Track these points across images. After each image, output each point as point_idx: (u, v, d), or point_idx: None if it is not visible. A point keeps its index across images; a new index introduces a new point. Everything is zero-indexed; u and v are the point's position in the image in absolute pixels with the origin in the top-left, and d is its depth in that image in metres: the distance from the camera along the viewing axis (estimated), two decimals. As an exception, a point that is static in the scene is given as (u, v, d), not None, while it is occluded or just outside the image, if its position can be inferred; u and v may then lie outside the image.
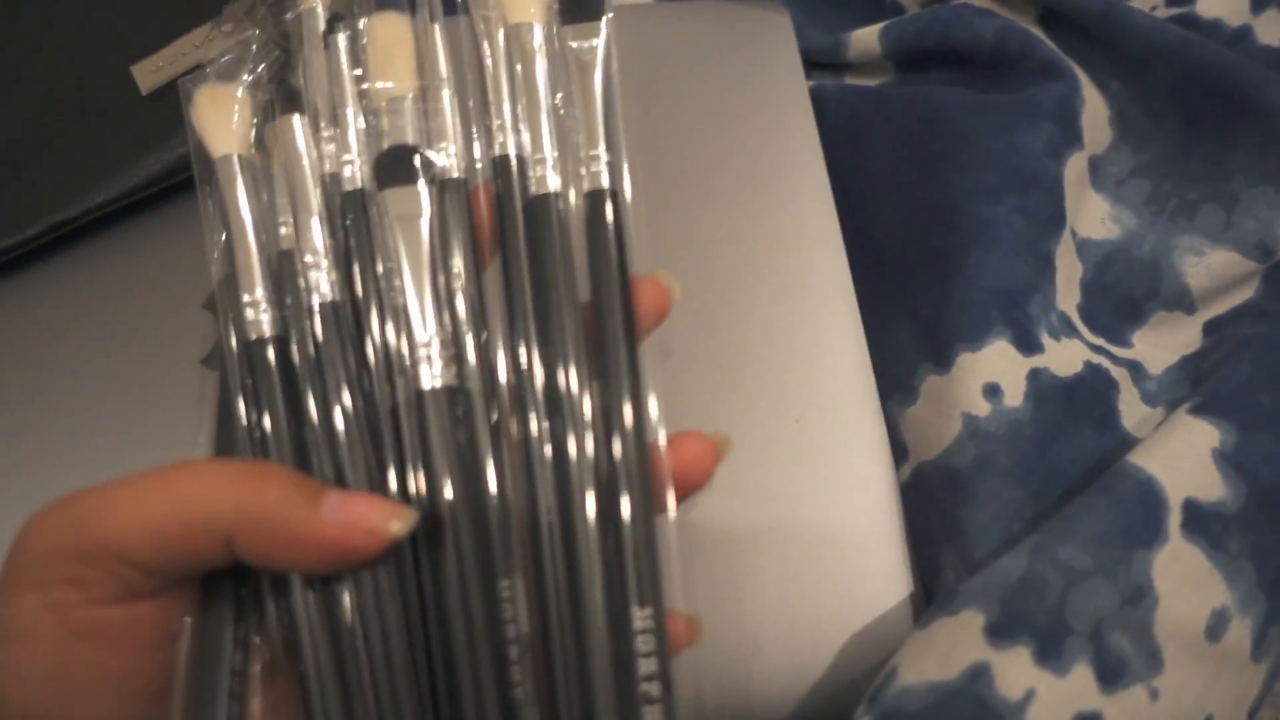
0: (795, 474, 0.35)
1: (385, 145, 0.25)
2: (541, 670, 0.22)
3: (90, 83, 0.40)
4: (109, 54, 0.41)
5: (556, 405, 0.22)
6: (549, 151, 0.24)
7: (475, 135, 0.25)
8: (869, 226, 0.39)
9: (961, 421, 0.33)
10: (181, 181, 0.39)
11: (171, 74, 0.40)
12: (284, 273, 0.25)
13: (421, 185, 0.24)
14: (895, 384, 0.36)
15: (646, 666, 0.21)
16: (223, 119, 0.26)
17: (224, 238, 0.26)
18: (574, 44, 0.24)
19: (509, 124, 0.24)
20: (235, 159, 0.25)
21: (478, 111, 0.25)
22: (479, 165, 0.25)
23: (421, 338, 0.22)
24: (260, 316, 0.24)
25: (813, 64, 0.45)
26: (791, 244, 0.39)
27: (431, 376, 0.22)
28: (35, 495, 0.34)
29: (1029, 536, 0.29)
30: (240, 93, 0.26)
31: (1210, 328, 0.37)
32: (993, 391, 0.33)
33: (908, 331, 0.36)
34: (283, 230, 0.25)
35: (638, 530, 0.22)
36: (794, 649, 0.33)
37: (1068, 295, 0.36)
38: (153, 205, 0.40)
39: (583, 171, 0.24)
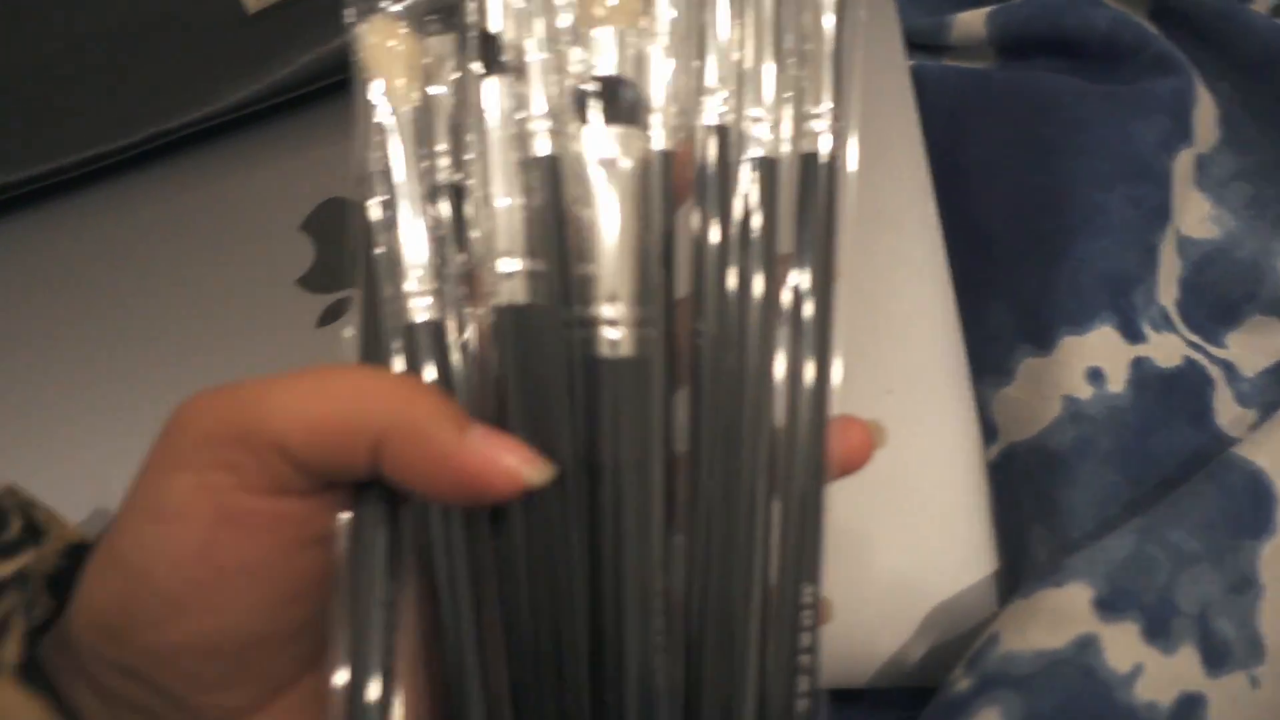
0: (886, 446, 0.35)
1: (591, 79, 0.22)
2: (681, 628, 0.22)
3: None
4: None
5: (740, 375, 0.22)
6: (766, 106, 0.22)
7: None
8: (968, 207, 0.38)
9: (1062, 403, 0.33)
10: (281, 102, 0.39)
11: (276, -3, 0.40)
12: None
13: (635, 129, 0.21)
14: (988, 364, 0.36)
15: (805, 640, 0.22)
16: (393, 59, 0.23)
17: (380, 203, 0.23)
18: None
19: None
20: (402, 114, 0.22)
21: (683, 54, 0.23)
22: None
23: (608, 300, 0.21)
24: (416, 304, 0.21)
25: (911, 44, 0.45)
26: (887, 220, 0.39)
27: (614, 342, 0.21)
28: (127, 403, 0.34)
29: (1135, 518, 0.29)
30: (411, 31, 0.23)
31: (1305, 335, 0.37)
32: (1096, 376, 0.33)
33: (1005, 312, 0.36)
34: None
35: (811, 506, 0.22)
36: (875, 617, 0.33)
37: (1167, 290, 0.36)
38: (252, 124, 0.39)
39: (803, 128, 0.22)
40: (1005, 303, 0.36)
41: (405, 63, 0.23)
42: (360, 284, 0.23)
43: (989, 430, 0.36)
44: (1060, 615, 0.27)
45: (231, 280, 0.37)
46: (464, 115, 0.23)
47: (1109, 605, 0.26)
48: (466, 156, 0.23)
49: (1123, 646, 0.26)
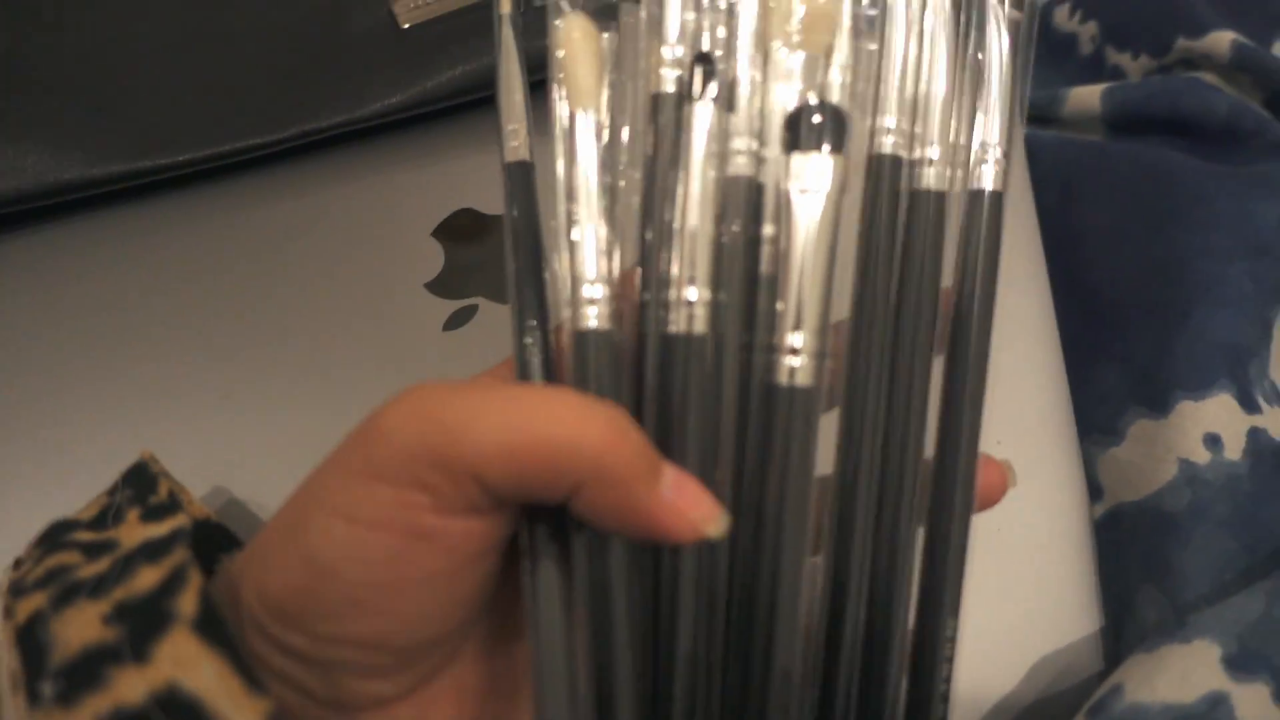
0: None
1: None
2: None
3: (351, 10, 0.42)
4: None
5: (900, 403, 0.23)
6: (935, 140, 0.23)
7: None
8: (1080, 272, 0.39)
9: (1178, 466, 0.33)
10: (423, 114, 0.41)
11: (429, 14, 0.42)
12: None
13: (838, 157, 0.21)
14: (1095, 424, 0.36)
15: (945, 672, 0.22)
16: (589, 65, 0.23)
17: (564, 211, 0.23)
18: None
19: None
20: (592, 122, 0.22)
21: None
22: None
23: (793, 329, 0.21)
24: (590, 310, 0.22)
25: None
26: (1000, 280, 0.40)
27: (794, 370, 0.21)
28: (260, 397, 0.35)
29: (1261, 581, 0.29)
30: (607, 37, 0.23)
31: None
32: (1213, 442, 0.33)
33: (1116, 375, 0.36)
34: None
35: (957, 542, 0.22)
36: (979, 667, 0.33)
37: (1277, 366, 0.37)
38: (395, 132, 0.41)
39: (972, 162, 0.23)
40: (1117, 365, 0.37)
41: (598, 62, 0.23)
42: (518, 284, 0.23)
43: (1094, 490, 0.36)
44: (1189, 671, 0.27)
45: (364, 280, 0.38)
46: (654, 130, 0.23)
47: (1239, 665, 0.27)
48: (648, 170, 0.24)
49: (1255, 707, 0.26)
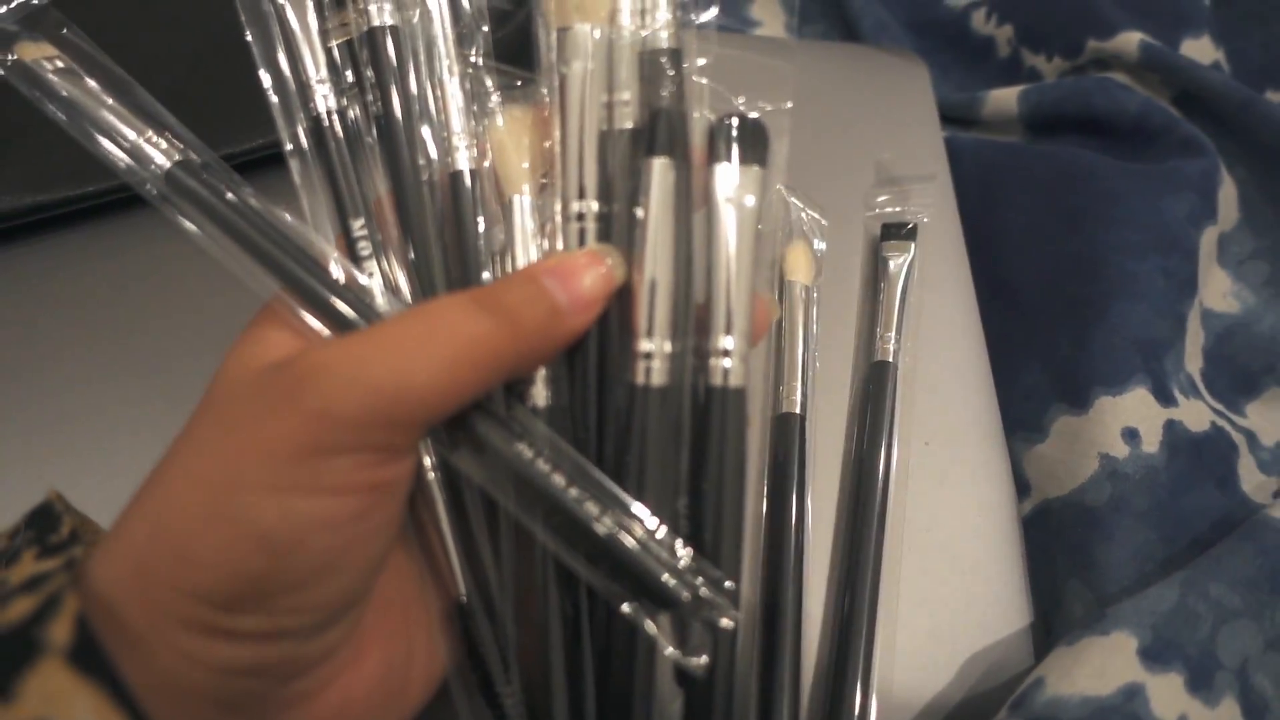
0: (922, 495, 0.36)
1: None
2: None
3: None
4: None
5: None
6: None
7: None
8: (1001, 272, 0.40)
9: (1099, 461, 0.34)
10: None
11: (346, 34, 0.41)
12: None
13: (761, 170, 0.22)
14: (1021, 422, 0.37)
15: None
16: (519, 149, 0.24)
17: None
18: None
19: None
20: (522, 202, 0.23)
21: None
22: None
23: (724, 332, 0.22)
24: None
25: (944, 117, 0.47)
26: (924, 282, 0.41)
27: (728, 372, 0.22)
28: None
29: (1177, 572, 0.29)
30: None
31: (1320, 409, 0.38)
32: (1131, 435, 0.34)
33: (1039, 373, 0.37)
34: None
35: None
36: (910, 666, 0.33)
37: (1193, 358, 0.38)
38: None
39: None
40: (1038, 363, 0.37)
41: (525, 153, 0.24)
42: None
43: (1021, 486, 0.37)
44: (1107, 663, 0.27)
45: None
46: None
47: (1154, 655, 0.27)
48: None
49: (1168, 697, 0.26)
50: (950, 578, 0.34)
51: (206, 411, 0.19)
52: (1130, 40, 0.43)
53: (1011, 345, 0.38)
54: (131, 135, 0.22)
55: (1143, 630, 0.28)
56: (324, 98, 0.24)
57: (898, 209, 0.39)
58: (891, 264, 0.37)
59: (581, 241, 0.22)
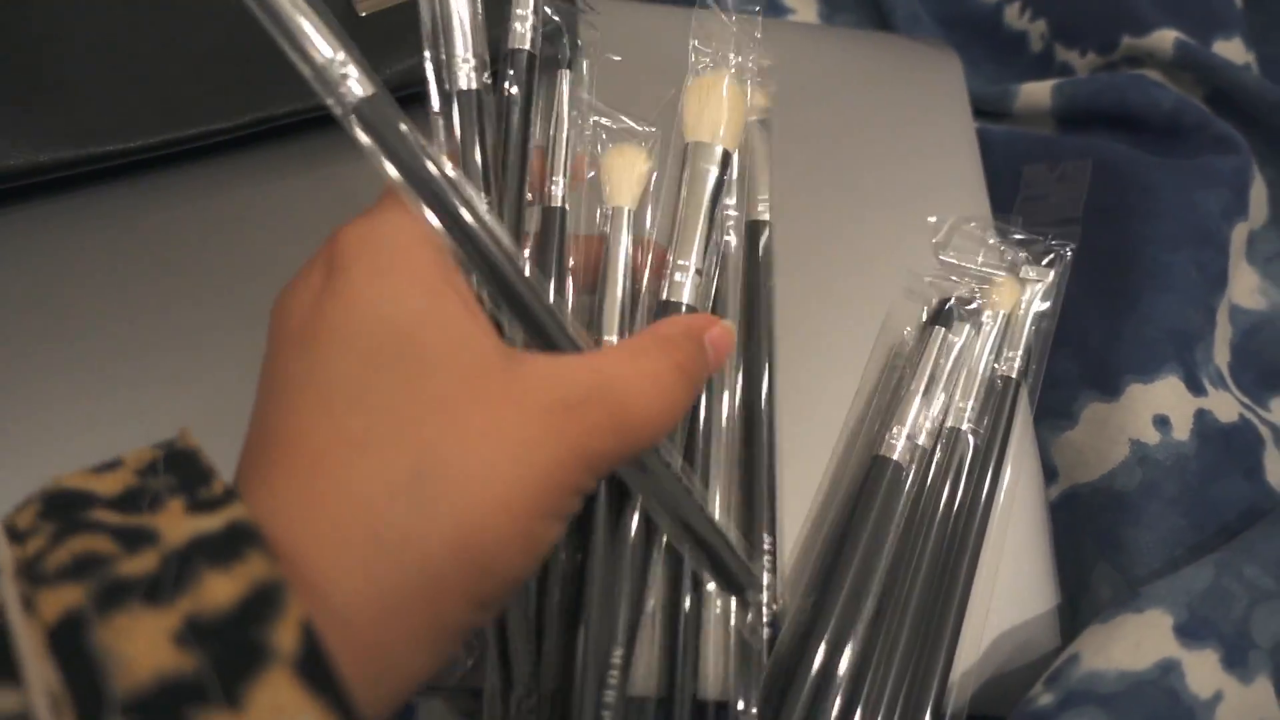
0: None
1: None
2: None
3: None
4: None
5: None
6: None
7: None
8: (1032, 261, 0.40)
9: (1130, 447, 0.34)
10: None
11: (387, 1, 0.42)
12: None
13: None
14: (1049, 409, 0.37)
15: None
16: (629, 177, 0.32)
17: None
18: None
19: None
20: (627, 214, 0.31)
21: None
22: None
23: None
24: None
25: (975, 110, 0.48)
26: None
27: None
28: (209, 392, 0.34)
29: (1211, 554, 0.30)
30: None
31: (1343, 407, 0.39)
32: (1163, 423, 0.34)
33: (1069, 360, 0.37)
34: None
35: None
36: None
37: (1221, 351, 0.38)
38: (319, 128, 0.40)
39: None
40: (1070, 351, 0.37)
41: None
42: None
43: (1049, 472, 0.37)
44: (1142, 639, 0.27)
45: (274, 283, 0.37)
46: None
47: (1190, 632, 0.27)
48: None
49: (1204, 673, 0.27)
50: (980, 560, 0.35)
51: (463, 415, 0.19)
52: (1165, 38, 0.43)
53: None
54: (326, 52, 0.23)
55: (1178, 608, 0.28)
56: (466, 75, 0.29)
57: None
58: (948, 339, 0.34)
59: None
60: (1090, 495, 0.35)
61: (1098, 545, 0.34)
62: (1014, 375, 0.34)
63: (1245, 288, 0.41)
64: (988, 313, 0.35)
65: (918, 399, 0.32)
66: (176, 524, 0.16)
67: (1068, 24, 0.47)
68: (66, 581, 0.15)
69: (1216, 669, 0.27)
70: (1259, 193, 0.41)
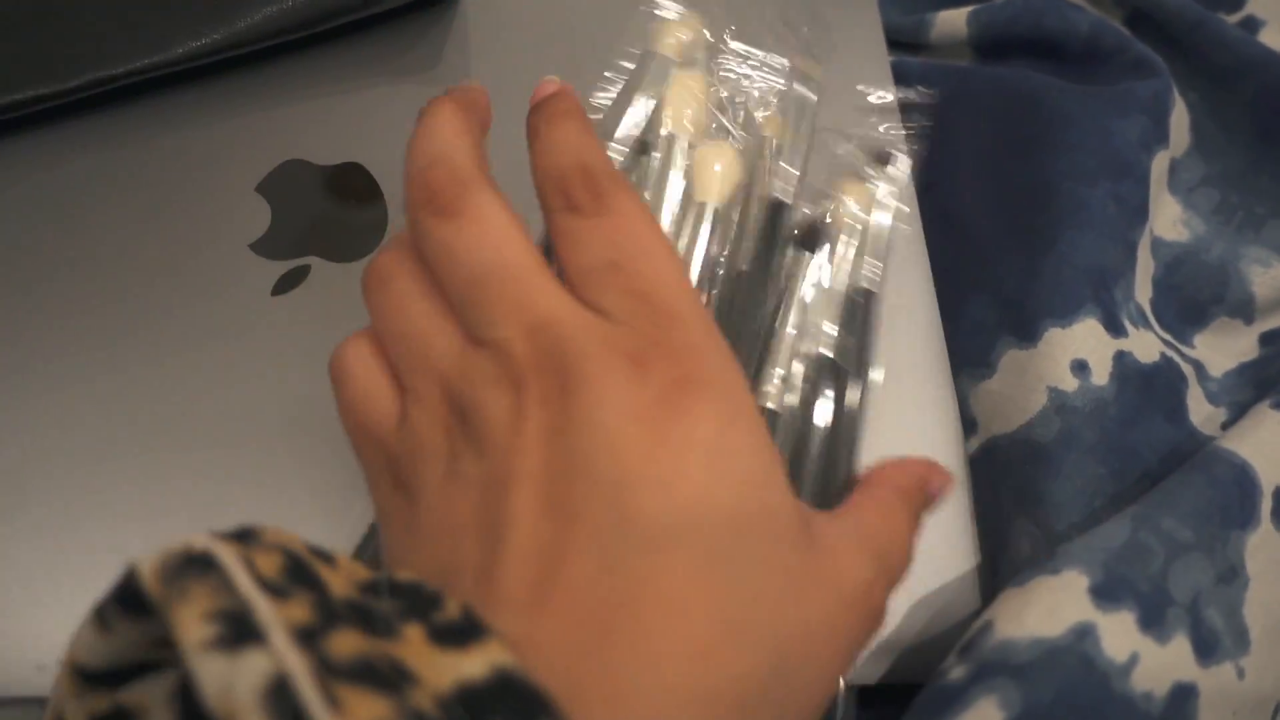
0: (867, 435, 0.34)
1: None
2: None
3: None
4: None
5: None
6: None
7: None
8: (947, 202, 0.38)
9: (1047, 395, 0.32)
10: (240, 56, 0.37)
11: None
12: None
13: None
14: (968, 358, 0.35)
15: None
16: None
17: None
18: None
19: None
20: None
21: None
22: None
23: None
24: None
25: (891, 41, 0.45)
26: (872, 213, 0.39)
27: None
28: (64, 370, 0.31)
29: (1129, 506, 0.28)
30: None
31: (1267, 339, 0.37)
32: (1081, 368, 0.32)
33: (986, 306, 0.36)
34: None
35: None
36: (856, 609, 0.32)
37: (1143, 288, 0.36)
38: (212, 76, 0.37)
39: None
40: (986, 296, 0.36)
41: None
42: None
43: (968, 424, 0.35)
44: (1057, 603, 0.26)
45: (182, 241, 0.34)
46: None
47: (1105, 593, 0.26)
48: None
49: (1120, 635, 0.25)
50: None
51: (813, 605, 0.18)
52: (1082, -43, 0.41)
53: (960, 279, 0.37)
54: None
55: (1094, 568, 0.26)
56: None
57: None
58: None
59: None
60: (1009, 447, 0.33)
61: (1017, 499, 0.32)
62: (873, 289, 0.34)
63: (1167, 219, 0.39)
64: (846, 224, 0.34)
65: (789, 334, 0.31)
66: (430, 663, 0.13)
67: (982, -54, 0.44)
68: (365, 686, 0.12)
69: (1133, 630, 0.26)
70: (1180, 119, 0.39)
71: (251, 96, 0.37)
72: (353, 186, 0.36)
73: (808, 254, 0.33)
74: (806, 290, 0.33)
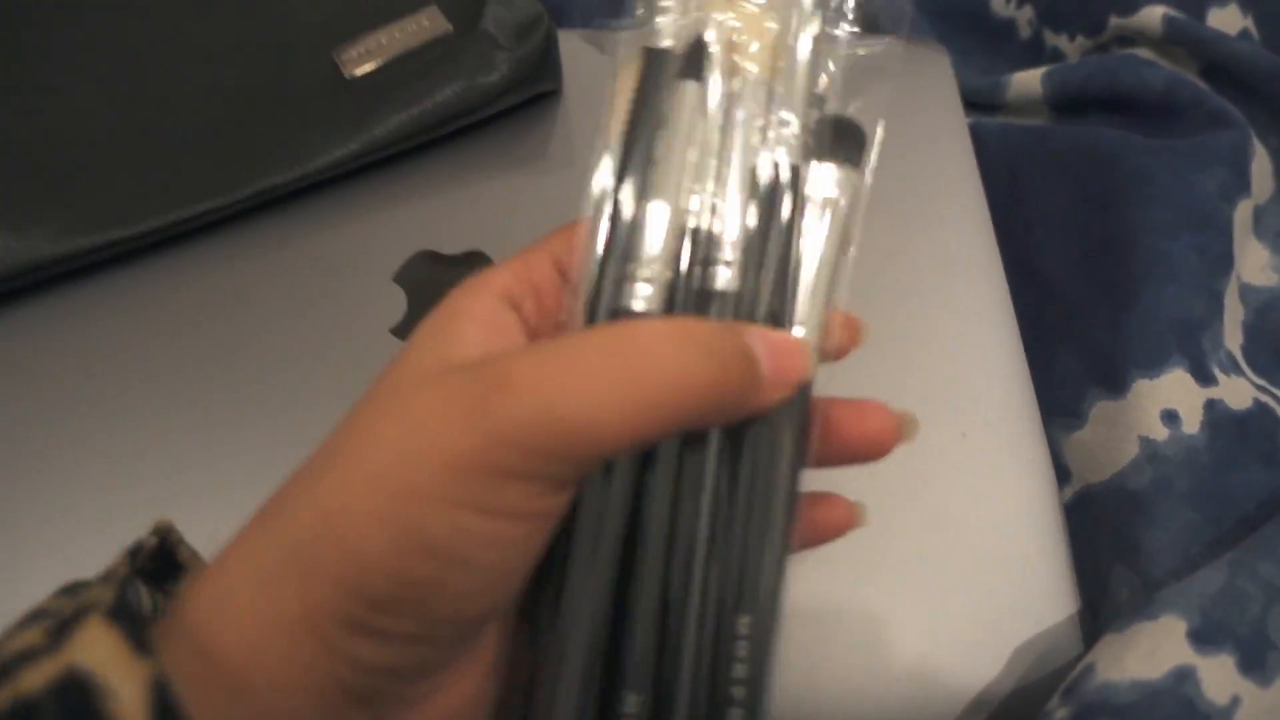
0: (963, 486, 0.36)
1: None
2: None
3: (295, 63, 0.42)
4: (315, 36, 0.43)
5: None
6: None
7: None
8: (1032, 257, 0.40)
9: (1139, 445, 0.34)
10: (374, 161, 0.41)
11: (372, 61, 0.43)
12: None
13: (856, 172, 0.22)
14: (1058, 408, 0.37)
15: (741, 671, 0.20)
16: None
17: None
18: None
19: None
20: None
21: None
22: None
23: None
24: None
25: (968, 103, 0.47)
26: (954, 271, 0.41)
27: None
28: (240, 450, 0.35)
29: (1225, 553, 0.29)
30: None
31: (1366, 378, 0.38)
32: (1171, 418, 0.34)
33: (1073, 357, 0.37)
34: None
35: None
36: (960, 657, 0.33)
37: (1233, 334, 0.37)
38: (347, 181, 0.42)
39: None
40: (1073, 348, 0.37)
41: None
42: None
43: (1062, 473, 0.37)
44: (1156, 647, 0.27)
45: (330, 332, 0.38)
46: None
47: (1204, 637, 0.27)
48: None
49: (1220, 678, 0.26)
50: (995, 569, 0.35)
51: (386, 401, 0.19)
52: (1154, 14, 0.42)
53: (1046, 331, 0.38)
54: None
55: (1191, 612, 0.28)
56: None
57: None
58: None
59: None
60: (1103, 495, 0.34)
61: (1114, 547, 0.33)
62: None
63: (1255, 264, 0.40)
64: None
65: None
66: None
67: (1055, 8, 0.46)
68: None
69: (1233, 673, 0.27)
70: (1262, 166, 0.40)
71: (384, 196, 0.42)
72: (476, 271, 0.40)
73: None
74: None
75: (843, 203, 0.22)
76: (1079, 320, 0.37)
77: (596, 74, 0.47)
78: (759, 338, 0.19)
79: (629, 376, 0.18)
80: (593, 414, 0.17)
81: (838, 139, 0.22)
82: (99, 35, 0.43)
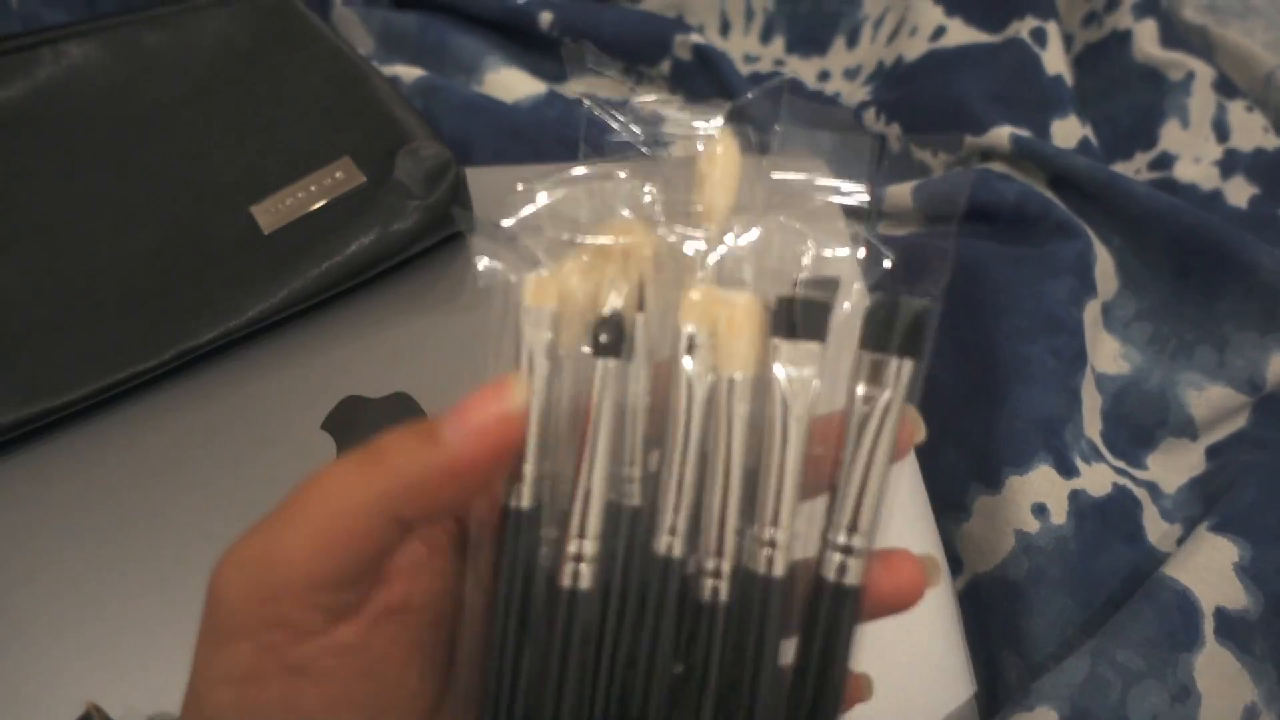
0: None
1: None
2: None
3: (213, 220, 0.44)
4: (232, 193, 0.45)
5: None
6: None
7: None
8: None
9: (1015, 537, 0.37)
10: (294, 312, 0.43)
11: (288, 216, 0.45)
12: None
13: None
14: (947, 501, 0.41)
15: None
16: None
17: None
18: None
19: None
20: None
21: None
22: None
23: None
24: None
25: (846, 211, 0.51)
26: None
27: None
28: (168, 612, 0.36)
29: (1088, 640, 0.33)
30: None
31: (1212, 452, 0.42)
32: (1040, 510, 0.37)
33: (956, 454, 0.41)
34: None
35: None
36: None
37: (1092, 424, 0.42)
38: (268, 334, 0.43)
39: None
40: (956, 444, 0.41)
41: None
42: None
43: (954, 563, 0.40)
44: (1034, 737, 0.30)
45: (262, 483, 0.40)
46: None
47: (1074, 725, 0.30)
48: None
49: (1090, 764, 0.30)
50: (895, 657, 0.37)
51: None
52: (1001, 134, 0.47)
53: (933, 428, 0.42)
54: None
55: (1061, 703, 0.31)
56: None
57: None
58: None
59: None
60: (990, 585, 0.38)
61: (1000, 633, 0.37)
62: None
63: (1108, 355, 0.44)
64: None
65: None
66: None
67: (917, 127, 0.51)
68: None
69: (1101, 758, 0.30)
70: (1105, 266, 0.45)
71: (308, 344, 0.44)
72: (401, 414, 0.42)
73: None
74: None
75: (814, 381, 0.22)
76: (958, 420, 0.41)
77: (507, 209, 0.50)
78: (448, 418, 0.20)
79: (302, 505, 0.20)
80: (272, 550, 0.19)
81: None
82: (14, 207, 0.44)
